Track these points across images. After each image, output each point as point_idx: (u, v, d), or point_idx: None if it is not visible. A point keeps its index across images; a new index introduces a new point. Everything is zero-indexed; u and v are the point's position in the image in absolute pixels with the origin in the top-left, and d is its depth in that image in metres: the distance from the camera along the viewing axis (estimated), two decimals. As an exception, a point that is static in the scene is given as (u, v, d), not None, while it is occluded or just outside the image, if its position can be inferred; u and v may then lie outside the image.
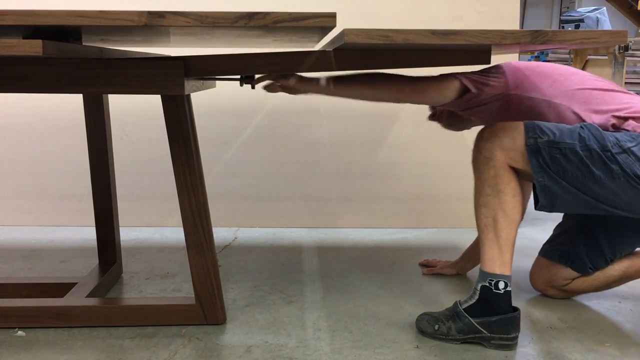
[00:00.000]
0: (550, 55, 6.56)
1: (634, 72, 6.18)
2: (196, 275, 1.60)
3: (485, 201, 1.52)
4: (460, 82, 1.58)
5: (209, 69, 1.49)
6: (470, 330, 1.50)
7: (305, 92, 1.66)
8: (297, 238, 2.54)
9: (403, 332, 1.59)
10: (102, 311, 1.61)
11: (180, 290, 1.89)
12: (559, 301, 1.83)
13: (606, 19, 6.77)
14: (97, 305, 1.62)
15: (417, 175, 2.68)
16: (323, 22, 1.20)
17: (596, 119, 1.52)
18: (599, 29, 6.49)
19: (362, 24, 2.51)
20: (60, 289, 1.76)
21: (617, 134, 1.47)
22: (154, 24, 1.19)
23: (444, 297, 1.85)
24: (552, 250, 1.82)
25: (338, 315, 1.71)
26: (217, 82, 1.79)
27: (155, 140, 2.59)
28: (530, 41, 1.31)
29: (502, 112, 1.65)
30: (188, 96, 1.55)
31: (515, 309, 1.50)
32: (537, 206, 1.52)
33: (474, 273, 2.02)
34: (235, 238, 2.52)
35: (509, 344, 1.49)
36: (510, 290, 1.50)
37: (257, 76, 1.64)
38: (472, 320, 1.50)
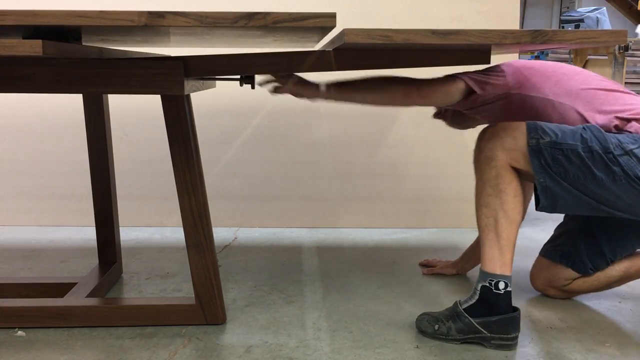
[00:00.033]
0: (550, 55, 6.56)
1: (634, 72, 6.17)
2: (196, 275, 1.60)
3: (487, 201, 1.52)
4: (465, 83, 1.58)
5: (209, 69, 1.49)
6: (470, 330, 1.50)
7: (311, 97, 1.66)
8: (297, 238, 2.54)
9: (403, 332, 1.59)
10: (102, 311, 1.61)
11: (180, 290, 1.89)
12: (559, 301, 1.83)
13: (606, 19, 6.76)
14: (97, 305, 1.62)
15: (417, 175, 2.68)
16: (323, 22, 1.20)
17: (599, 119, 1.52)
18: (599, 28, 6.49)
19: (362, 24, 2.51)
20: (60, 289, 1.76)
21: (620, 136, 1.47)
22: (154, 24, 1.19)
23: (444, 297, 1.85)
24: (552, 251, 1.82)
25: (338, 315, 1.71)
26: (217, 82, 1.79)
27: (155, 140, 2.59)
28: (530, 41, 1.31)
29: (505, 111, 1.65)
30: (188, 96, 1.55)
31: (516, 309, 1.50)
32: (538, 207, 1.52)
33: (474, 273, 2.02)
34: (235, 238, 2.52)
35: (509, 344, 1.49)
36: (510, 291, 1.50)
37: (260, 78, 1.64)
38: (472, 320, 1.50)
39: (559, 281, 1.80)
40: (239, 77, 1.57)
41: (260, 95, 2.56)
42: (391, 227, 2.70)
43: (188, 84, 1.50)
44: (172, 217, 2.64)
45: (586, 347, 1.53)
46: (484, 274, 1.51)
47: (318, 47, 1.81)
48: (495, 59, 1.78)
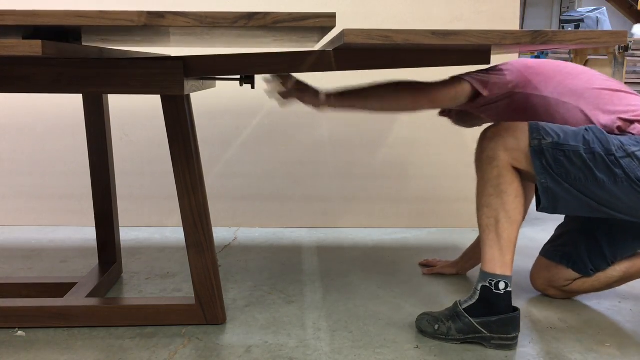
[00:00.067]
0: (550, 55, 6.55)
1: (634, 72, 6.17)
2: (196, 275, 1.60)
3: (488, 201, 1.52)
4: (472, 85, 1.58)
5: (209, 69, 1.49)
6: (470, 330, 1.50)
7: (316, 105, 1.66)
8: (297, 238, 2.54)
9: (403, 332, 1.59)
10: (102, 311, 1.61)
11: (180, 290, 1.89)
12: (559, 301, 1.83)
13: (606, 19, 6.76)
14: (97, 305, 1.62)
15: (417, 175, 2.68)
16: (323, 22, 1.20)
17: (603, 119, 1.51)
18: (599, 29, 6.49)
19: (362, 24, 2.51)
20: (60, 289, 1.76)
21: (622, 138, 1.46)
22: (153, 24, 1.19)
23: (444, 297, 1.85)
24: (553, 251, 1.81)
25: (338, 315, 1.71)
26: (217, 82, 1.79)
27: (155, 140, 2.59)
28: (530, 41, 1.31)
29: (509, 110, 1.65)
30: (188, 96, 1.55)
31: (516, 309, 1.50)
32: (539, 207, 1.52)
33: (474, 273, 2.02)
34: (235, 238, 2.52)
35: (509, 344, 1.49)
36: (510, 291, 1.50)
37: (266, 83, 1.64)
38: (472, 320, 1.50)
39: (559, 281, 1.80)
40: (239, 77, 1.57)
41: (260, 95, 2.55)
42: (391, 227, 2.70)
43: (188, 84, 1.50)
44: (172, 217, 2.64)
45: (586, 347, 1.53)
46: (484, 274, 1.51)
47: (318, 47, 1.81)
48: (495, 59, 1.78)
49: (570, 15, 7.12)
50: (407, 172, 2.68)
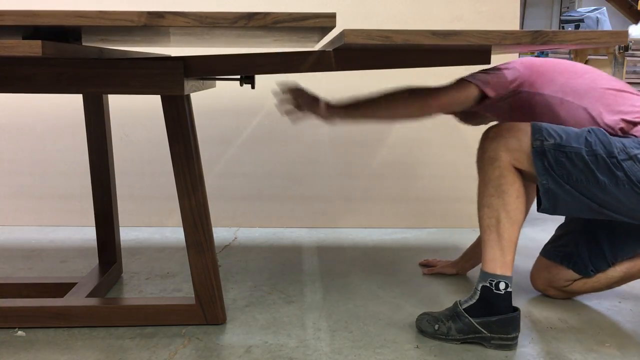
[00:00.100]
0: (550, 55, 6.56)
1: (634, 72, 6.17)
2: (196, 275, 1.60)
3: (489, 201, 1.51)
4: (479, 88, 1.58)
5: (209, 69, 1.49)
6: (470, 330, 1.50)
7: (326, 117, 1.67)
8: (297, 238, 2.54)
9: (403, 332, 1.59)
10: (102, 311, 1.61)
11: (180, 290, 1.89)
12: (559, 301, 1.83)
13: (606, 19, 6.76)
14: (97, 305, 1.62)
15: (417, 175, 2.68)
16: (323, 22, 1.20)
17: (607, 119, 1.51)
18: (599, 29, 6.48)
19: (362, 24, 2.51)
20: (60, 289, 1.76)
21: (625, 140, 1.46)
22: (153, 24, 1.19)
23: (444, 297, 1.85)
24: (554, 251, 1.81)
25: (338, 315, 1.71)
26: (217, 82, 1.79)
27: (155, 140, 2.59)
28: (531, 42, 1.31)
29: (513, 109, 1.65)
30: (188, 96, 1.55)
31: (516, 309, 1.50)
32: (540, 208, 1.52)
33: (474, 273, 2.02)
34: (235, 238, 2.52)
35: (509, 344, 1.49)
36: (510, 291, 1.50)
37: (277, 99, 1.65)
38: (472, 320, 1.50)
39: (559, 282, 1.80)
40: (239, 77, 1.57)
41: (260, 95, 2.57)
42: (391, 227, 2.70)
43: (188, 84, 1.50)
44: (172, 217, 2.64)
45: (586, 347, 1.53)
46: (484, 274, 1.51)
47: (318, 47, 1.81)
48: (495, 59, 1.78)
49: (570, 15, 7.12)
50: (407, 172, 2.68)
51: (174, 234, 2.55)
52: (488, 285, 1.49)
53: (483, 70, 1.65)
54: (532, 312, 1.75)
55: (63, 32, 1.36)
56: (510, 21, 2.60)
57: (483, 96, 1.61)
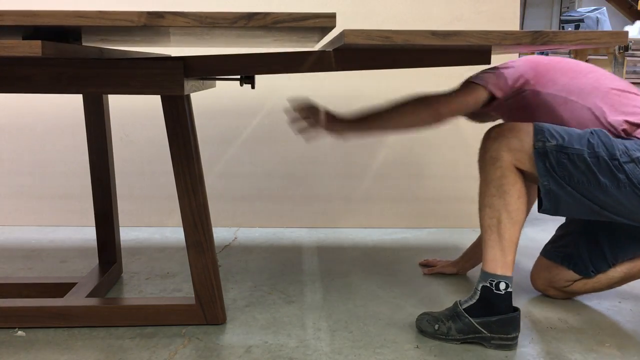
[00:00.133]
0: (550, 55, 6.55)
1: (634, 72, 6.17)
2: (196, 275, 1.60)
3: (490, 201, 1.51)
4: (488, 90, 1.59)
5: (209, 69, 1.49)
6: (470, 330, 1.50)
7: (339, 131, 1.68)
8: (297, 238, 2.54)
9: (403, 332, 1.59)
10: (102, 311, 1.61)
11: (180, 290, 1.89)
12: (559, 301, 1.83)
13: (606, 19, 6.76)
14: (97, 305, 1.62)
15: (417, 175, 2.68)
16: (323, 22, 1.20)
17: (610, 119, 1.51)
18: (599, 29, 6.48)
19: (362, 24, 2.51)
20: (60, 289, 1.76)
21: (627, 142, 1.46)
22: (153, 24, 1.19)
23: (444, 297, 1.85)
24: (554, 252, 1.81)
25: (338, 315, 1.71)
26: (217, 82, 1.79)
27: (155, 140, 2.59)
28: (531, 42, 1.31)
29: (518, 107, 1.64)
30: (188, 96, 1.55)
31: (516, 309, 1.50)
32: (541, 209, 1.52)
33: (474, 273, 2.02)
34: (235, 238, 2.52)
35: (509, 344, 1.49)
36: (511, 291, 1.50)
37: (290, 118, 1.67)
38: (472, 320, 1.50)
39: (559, 282, 1.80)
40: (239, 77, 1.57)
41: (260, 95, 2.57)
42: (391, 227, 2.70)
43: (188, 84, 1.50)
44: (172, 217, 2.64)
45: (586, 347, 1.53)
46: (485, 274, 1.51)
47: (318, 47, 1.81)
48: (496, 59, 1.78)
49: (570, 16, 7.12)
50: (407, 172, 2.68)
51: (174, 234, 2.55)
52: (488, 285, 1.49)
53: (488, 69, 1.65)
54: (532, 312, 1.75)
55: (63, 32, 1.36)
56: (510, 21, 2.60)
57: (491, 97, 1.61)
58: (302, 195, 2.68)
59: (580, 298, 1.85)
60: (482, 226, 1.55)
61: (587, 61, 4.73)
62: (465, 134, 2.61)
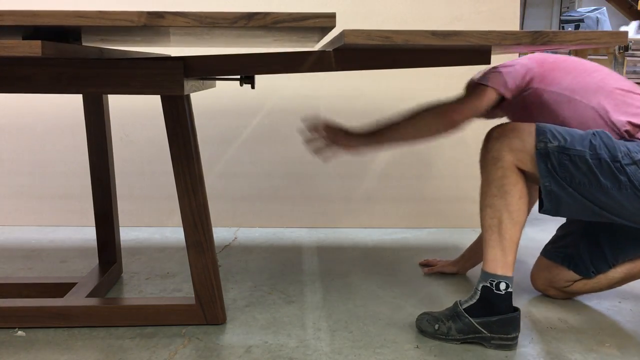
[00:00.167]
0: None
1: (634, 72, 6.17)
2: (196, 275, 1.60)
3: (491, 202, 1.51)
4: (498, 92, 1.58)
5: (209, 69, 1.49)
6: (470, 330, 1.50)
7: (357, 148, 1.67)
8: (297, 238, 2.54)
9: (403, 332, 1.59)
10: (102, 311, 1.61)
11: (180, 290, 1.89)
12: (559, 301, 1.83)
13: (606, 19, 6.75)
14: (97, 305, 1.62)
15: (416, 175, 2.68)
16: (323, 22, 1.20)
17: (614, 118, 1.51)
18: (599, 29, 6.48)
19: (362, 24, 2.51)
20: (60, 289, 1.76)
21: (630, 144, 1.45)
22: (153, 24, 1.19)
23: (444, 297, 1.85)
24: (554, 252, 1.81)
25: (338, 315, 1.71)
26: (217, 82, 1.79)
27: (155, 140, 2.59)
28: (531, 42, 1.31)
29: (522, 105, 1.64)
30: (188, 96, 1.55)
31: (516, 309, 1.50)
32: (541, 210, 1.52)
33: (473, 273, 2.02)
34: (235, 238, 2.52)
35: (509, 344, 1.49)
36: (511, 292, 1.50)
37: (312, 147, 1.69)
38: (472, 320, 1.50)
39: (559, 282, 1.80)
40: (239, 77, 1.57)
41: (260, 95, 2.57)
42: (391, 227, 2.70)
43: (188, 84, 1.50)
44: (172, 217, 2.64)
45: (586, 347, 1.53)
46: (485, 274, 1.51)
47: (318, 47, 1.81)
48: (495, 59, 1.78)
49: (570, 16, 7.12)
50: (407, 172, 2.68)
51: (174, 234, 2.55)
52: (488, 285, 1.49)
53: (492, 69, 1.64)
54: (532, 312, 1.75)
55: (63, 32, 1.36)
56: (510, 21, 2.60)
57: (501, 98, 1.61)
58: (302, 195, 2.68)
59: (580, 298, 1.85)
60: (483, 226, 1.55)
61: (587, 61, 4.73)
62: (465, 134, 2.61)
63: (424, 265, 2.15)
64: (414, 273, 2.08)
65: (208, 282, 1.60)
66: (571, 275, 1.77)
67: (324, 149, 1.71)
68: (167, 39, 1.61)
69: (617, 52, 4.34)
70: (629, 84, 1.60)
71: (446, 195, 2.69)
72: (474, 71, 1.69)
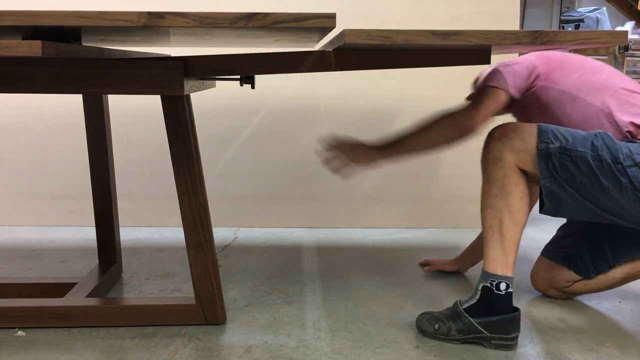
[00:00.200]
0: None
1: (634, 72, 6.17)
2: (196, 275, 1.60)
3: (492, 202, 1.51)
4: (509, 93, 1.58)
5: (209, 68, 1.49)
6: (470, 330, 1.50)
7: (375, 162, 1.68)
8: (297, 238, 2.54)
9: (403, 332, 1.59)
10: (102, 311, 1.61)
11: (180, 290, 1.89)
12: (559, 301, 1.83)
13: (606, 19, 6.75)
14: (97, 305, 1.62)
15: (417, 175, 2.68)
16: (323, 22, 1.20)
17: (617, 118, 1.51)
18: (599, 29, 6.48)
19: (362, 24, 2.51)
20: (60, 289, 1.76)
21: (632, 146, 1.45)
22: (153, 24, 1.19)
23: (444, 297, 1.85)
24: (555, 252, 1.81)
25: (338, 315, 1.71)
26: (217, 82, 1.79)
27: (155, 140, 2.59)
28: (531, 42, 1.31)
29: (526, 104, 1.64)
30: (188, 96, 1.55)
31: (516, 309, 1.50)
32: (542, 210, 1.52)
33: (474, 272, 2.02)
34: (235, 238, 2.52)
35: (509, 344, 1.49)
36: (511, 292, 1.50)
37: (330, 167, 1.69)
38: (472, 320, 1.50)
39: (560, 282, 1.80)
40: (239, 77, 1.57)
41: (260, 95, 2.57)
42: (391, 227, 2.70)
43: (188, 84, 1.50)
44: (172, 217, 2.64)
45: (586, 347, 1.53)
46: (485, 274, 1.51)
47: (318, 47, 1.81)
48: (495, 59, 1.78)
49: (570, 15, 7.12)
50: (407, 172, 2.68)
51: (174, 234, 2.55)
52: (489, 285, 1.49)
53: (499, 68, 1.63)
54: (532, 312, 1.75)
55: (63, 32, 1.36)
56: (510, 21, 2.60)
57: (512, 99, 1.61)
58: (302, 195, 2.68)
59: (580, 298, 1.85)
60: (483, 226, 1.54)
61: (587, 61, 4.73)
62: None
63: (424, 265, 2.15)
64: (414, 273, 2.08)
65: (208, 282, 1.60)
66: (571, 275, 1.77)
67: (343, 168, 1.70)
68: (167, 39, 1.61)
69: (617, 52, 4.34)
70: (633, 84, 1.59)
71: (446, 195, 2.69)
72: (474, 71, 1.69)
